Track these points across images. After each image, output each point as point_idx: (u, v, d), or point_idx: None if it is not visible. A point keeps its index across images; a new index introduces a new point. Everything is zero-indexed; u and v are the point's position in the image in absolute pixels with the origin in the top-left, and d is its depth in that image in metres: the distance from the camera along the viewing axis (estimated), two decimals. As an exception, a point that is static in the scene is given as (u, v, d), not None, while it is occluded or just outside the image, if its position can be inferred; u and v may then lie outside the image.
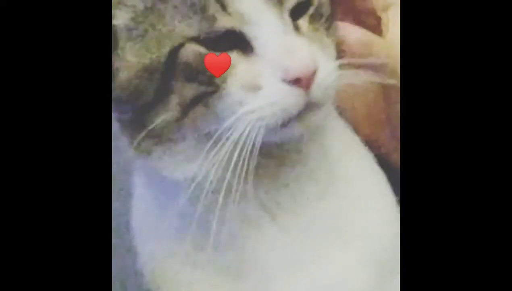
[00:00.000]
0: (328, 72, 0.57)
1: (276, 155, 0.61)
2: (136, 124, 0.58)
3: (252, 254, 0.62)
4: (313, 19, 0.59)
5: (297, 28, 0.58)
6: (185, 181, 0.58)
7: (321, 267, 0.63)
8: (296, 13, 0.58)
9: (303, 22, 0.59)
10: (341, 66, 0.59)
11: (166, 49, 0.55)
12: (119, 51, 0.57)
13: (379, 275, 0.64)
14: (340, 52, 0.62)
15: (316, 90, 0.56)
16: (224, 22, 0.55)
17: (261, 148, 0.55)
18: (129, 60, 0.57)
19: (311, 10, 0.59)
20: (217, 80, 0.55)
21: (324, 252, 0.63)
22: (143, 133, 0.57)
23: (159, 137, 0.58)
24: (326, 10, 0.61)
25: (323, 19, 0.60)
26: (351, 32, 0.66)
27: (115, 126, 0.60)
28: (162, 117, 0.57)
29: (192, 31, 0.55)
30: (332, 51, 0.61)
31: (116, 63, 0.57)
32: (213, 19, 0.55)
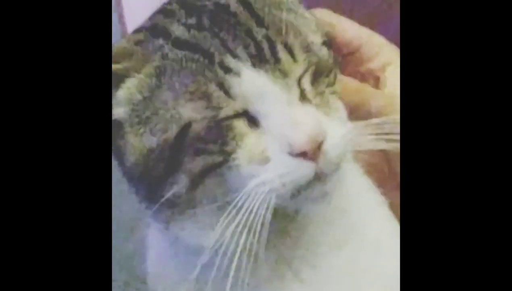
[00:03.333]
0: (338, 139, 0.56)
1: (295, 210, 0.60)
2: (151, 195, 0.59)
3: None
4: (315, 76, 0.58)
5: (303, 96, 0.57)
6: (201, 248, 0.58)
7: None
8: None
9: (306, 82, 0.57)
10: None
11: (173, 131, 0.55)
12: (125, 137, 0.58)
13: None
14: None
15: (326, 159, 0.55)
16: (229, 109, 0.55)
17: (277, 208, 0.55)
18: (135, 146, 0.58)
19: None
20: (227, 149, 0.55)
21: None
22: (157, 205, 0.58)
23: (174, 207, 0.58)
24: (326, 65, 0.60)
25: (325, 74, 0.59)
26: (348, 83, 0.64)
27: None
28: (173, 190, 0.57)
29: (197, 115, 0.55)
30: (342, 113, 0.60)
31: (123, 148, 0.58)
32: (218, 108, 0.55)
